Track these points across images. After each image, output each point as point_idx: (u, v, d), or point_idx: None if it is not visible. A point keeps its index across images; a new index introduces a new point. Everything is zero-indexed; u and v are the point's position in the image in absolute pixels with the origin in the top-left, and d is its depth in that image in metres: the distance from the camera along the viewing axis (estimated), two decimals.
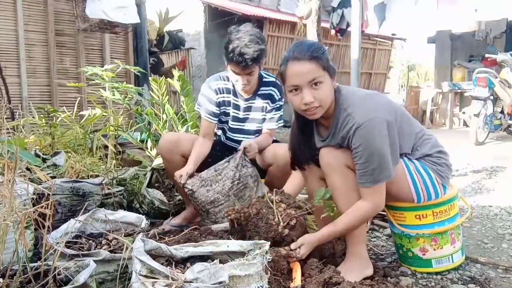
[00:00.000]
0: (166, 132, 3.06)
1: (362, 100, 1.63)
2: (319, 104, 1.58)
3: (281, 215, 1.69)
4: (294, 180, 1.97)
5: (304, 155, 1.81)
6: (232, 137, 2.44)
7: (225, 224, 2.05)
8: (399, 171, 1.65)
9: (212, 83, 2.37)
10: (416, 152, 1.73)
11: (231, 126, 2.41)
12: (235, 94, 2.36)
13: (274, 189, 1.85)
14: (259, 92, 2.33)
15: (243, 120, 2.38)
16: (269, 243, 1.35)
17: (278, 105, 2.36)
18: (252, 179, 2.18)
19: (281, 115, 2.40)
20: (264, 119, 2.37)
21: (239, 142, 2.41)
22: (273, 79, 2.36)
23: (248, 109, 2.36)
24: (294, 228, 1.69)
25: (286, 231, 1.67)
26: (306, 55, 1.55)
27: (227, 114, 2.40)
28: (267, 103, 2.34)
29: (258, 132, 2.40)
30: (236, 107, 2.37)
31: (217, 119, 2.40)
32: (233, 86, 2.34)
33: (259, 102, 2.34)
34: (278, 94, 2.33)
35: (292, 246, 1.64)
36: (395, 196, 1.71)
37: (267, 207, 1.73)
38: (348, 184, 1.65)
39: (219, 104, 2.37)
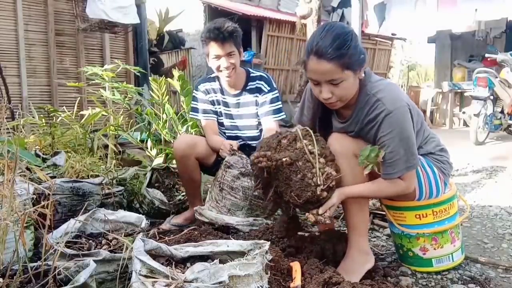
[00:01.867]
0: (166, 132, 3.07)
1: (389, 87, 1.62)
2: (337, 100, 1.56)
3: (322, 174, 1.53)
4: None
5: (323, 130, 1.78)
6: (233, 135, 2.44)
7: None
8: None
9: (200, 86, 2.43)
10: (421, 149, 1.74)
11: (227, 125, 2.43)
12: (222, 92, 2.38)
13: (305, 128, 1.65)
14: (247, 87, 2.34)
15: (237, 117, 2.39)
16: (268, 243, 1.35)
17: (269, 98, 2.32)
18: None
19: (280, 107, 2.35)
20: (257, 113, 2.36)
21: (240, 138, 2.43)
22: (260, 73, 2.37)
23: (238, 105, 2.37)
24: (331, 189, 1.57)
25: (325, 193, 1.54)
26: (327, 54, 1.46)
27: (220, 114, 2.42)
28: (257, 96, 2.34)
29: (258, 127, 2.40)
30: (226, 104, 2.39)
31: (215, 116, 2.42)
32: (220, 84, 2.37)
33: (248, 97, 2.35)
34: (267, 86, 2.33)
35: (321, 210, 1.54)
36: None
37: (304, 160, 1.54)
38: (354, 172, 1.63)
39: (212, 103, 2.41)
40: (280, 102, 2.36)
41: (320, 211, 1.55)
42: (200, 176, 2.42)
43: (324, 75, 1.50)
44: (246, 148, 2.42)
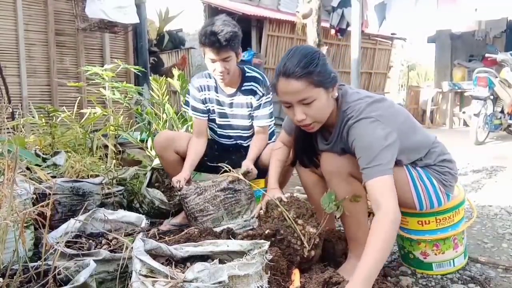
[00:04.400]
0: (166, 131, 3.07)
1: (364, 106, 1.52)
2: (312, 121, 1.51)
3: (303, 236, 1.59)
4: (279, 157, 1.92)
5: (307, 154, 1.77)
6: (224, 133, 2.44)
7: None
8: (402, 179, 1.61)
9: (195, 81, 2.40)
10: (420, 162, 1.68)
11: (219, 123, 2.42)
12: (217, 90, 2.36)
13: (280, 198, 1.72)
14: (242, 88, 2.32)
15: (230, 116, 2.38)
16: (268, 243, 1.35)
17: (263, 101, 2.31)
18: (246, 197, 2.12)
19: (271, 112, 2.36)
20: (250, 115, 2.35)
21: (232, 138, 2.43)
22: (255, 74, 2.33)
23: (232, 105, 2.36)
24: (317, 245, 1.63)
25: (313, 252, 1.60)
26: (295, 73, 1.43)
27: (213, 112, 2.40)
28: (251, 98, 2.32)
29: (250, 128, 2.39)
30: (220, 103, 2.38)
31: (206, 115, 2.41)
32: (215, 82, 2.35)
33: (242, 98, 2.33)
34: (262, 89, 2.30)
35: None
36: (398, 202, 1.66)
37: (284, 227, 1.61)
38: (352, 193, 1.57)
39: (203, 101, 2.39)
40: (272, 106, 2.36)
41: None
42: None
43: (294, 95, 1.46)
44: (240, 150, 2.42)
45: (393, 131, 1.48)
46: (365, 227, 1.71)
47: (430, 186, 1.67)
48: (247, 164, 2.18)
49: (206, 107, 2.40)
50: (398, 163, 1.61)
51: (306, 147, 1.75)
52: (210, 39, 2.08)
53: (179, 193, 2.14)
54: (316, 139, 1.74)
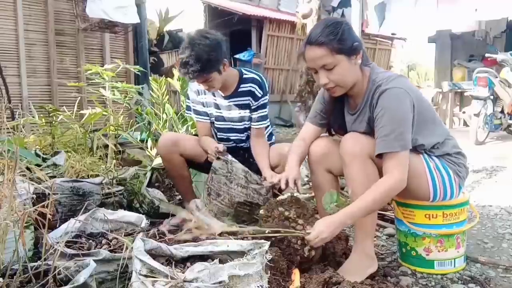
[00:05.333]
0: (166, 131, 3.07)
1: (394, 76, 1.66)
2: (335, 85, 1.63)
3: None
4: (299, 149, 1.90)
5: (337, 122, 1.84)
6: (223, 137, 2.43)
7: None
8: (418, 167, 1.66)
9: (192, 85, 2.40)
10: (437, 150, 1.73)
11: (217, 126, 2.41)
12: (214, 93, 2.35)
13: (281, 198, 1.71)
14: (240, 90, 2.30)
15: (228, 119, 2.36)
16: (269, 242, 1.35)
17: (261, 103, 2.31)
18: (257, 212, 2.09)
19: (267, 114, 2.35)
20: (249, 117, 2.34)
21: (231, 140, 2.42)
22: (253, 75, 2.32)
23: (230, 107, 2.34)
24: (318, 246, 1.63)
25: (313, 252, 1.61)
26: (316, 41, 1.57)
27: (211, 115, 2.40)
28: (249, 100, 2.30)
29: (247, 130, 2.38)
30: (217, 106, 2.36)
31: (208, 117, 2.40)
32: None
33: (239, 100, 2.31)
34: (260, 91, 2.29)
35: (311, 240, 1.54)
36: (412, 191, 1.69)
37: (284, 226, 1.61)
38: (368, 176, 1.61)
39: (203, 104, 2.39)
40: (267, 109, 2.36)
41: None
42: (188, 172, 2.43)
43: (316, 61, 1.60)
44: (240, 151, 2.41)
45: (414, 108, 1.59)
46: (374, 216, 1.72)
47: (446, 176, 1.71)
48: (270, 174, 2.07)
49: (205, 110, 2.40)
50: (418, 148, 1.69)
51: (337, 115, 1.83)
52: (182, 71, 2.09)
53: (213, 163, 2.12)
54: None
